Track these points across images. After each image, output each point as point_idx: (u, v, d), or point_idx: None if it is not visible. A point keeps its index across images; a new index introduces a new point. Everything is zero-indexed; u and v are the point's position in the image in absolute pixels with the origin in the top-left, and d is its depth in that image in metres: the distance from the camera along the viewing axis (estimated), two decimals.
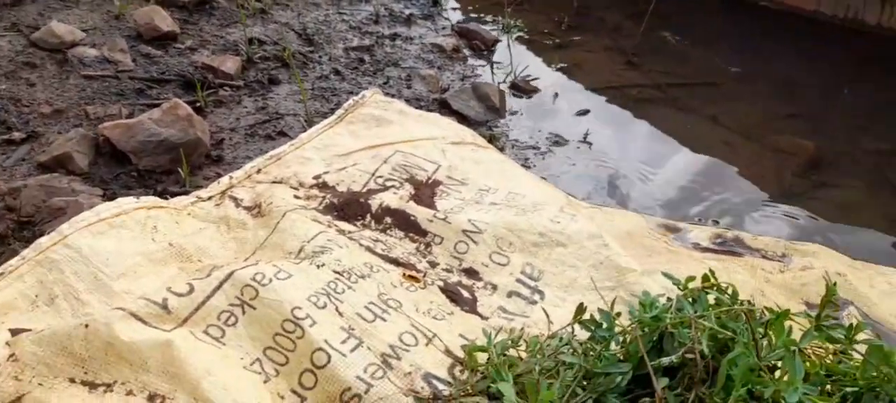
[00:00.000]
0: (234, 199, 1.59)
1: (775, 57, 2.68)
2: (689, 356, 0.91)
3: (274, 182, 1.67)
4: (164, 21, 2.40)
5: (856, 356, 1.00)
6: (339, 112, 1.99)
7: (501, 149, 2.06)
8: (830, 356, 1.04)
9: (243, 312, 1.16)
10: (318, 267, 1.25)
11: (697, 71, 2.54)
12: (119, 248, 1.32)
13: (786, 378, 0.84)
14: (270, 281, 1.18)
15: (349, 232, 1.47)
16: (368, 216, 1.55)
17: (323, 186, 1.67)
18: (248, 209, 1.56)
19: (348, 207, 1.57)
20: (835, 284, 0.96)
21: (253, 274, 1.19)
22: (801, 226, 1.83)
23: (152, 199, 1.50)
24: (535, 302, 1.39)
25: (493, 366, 1.03)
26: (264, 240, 1.43)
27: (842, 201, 1.91)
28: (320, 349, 1.10)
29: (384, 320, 1.18)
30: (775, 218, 1.86)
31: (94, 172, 1.72)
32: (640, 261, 1.60)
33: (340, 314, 1.16)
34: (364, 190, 1.66)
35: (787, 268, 1.59)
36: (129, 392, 1.06)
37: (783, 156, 2.09)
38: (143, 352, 1.08)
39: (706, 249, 1.68)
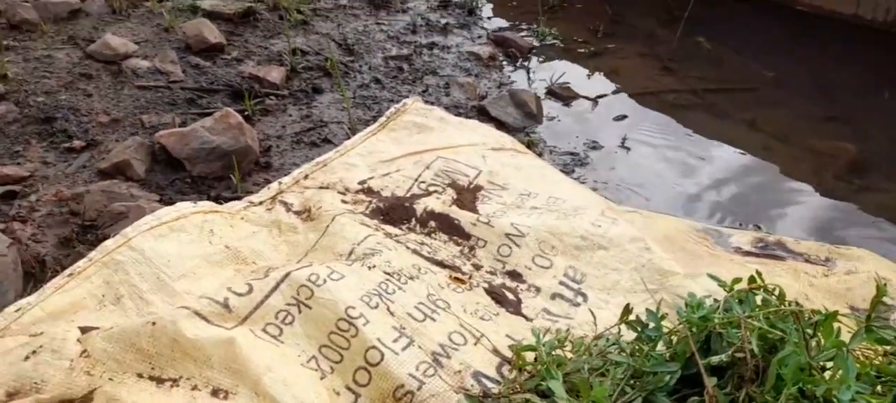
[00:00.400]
0: (285, 204, 1.64)
1: (812, 61, 2.66)
2: (739, 355, 0.93)
3: (321, 187, 1.73)
4: (212, 33, 2.48)
5: None
6: (382, 119, 2.04)
7: (540, 155, 2.09)
8: (880, 358, 1.05)
9: (299, 311, 1.21)
10: (369, 268, 1.30)
11: (734, 76, 2.54)
12: (179, 251, 1.39)
13: (837, 377, 0.85)
14: (325, 281, 1.23)
15: (396, 235, 1.51)
16: (413, 220, 1.60)
17: (368, 191, 1.72)
18: (298, 213, 1.61)
19: (394, 211, 1.62)
20: (885, 284, 0.97)
21: (308, 274, 1.24)
22: (844, 230, 1.82)
23: (208, 204, 1.56)
24: (578, 305, 1.42)
25: (543, 364, 1.06)
26: (315, 243, 1.48)
27: (886, 204, 1.90)
28: (373, 347, 1.14)
29: (434, 320, 1.22)
30: (817, 222, 1.86)
31: (151, 178, 1.80)
32: (682, 265, 1.62)
33: (392, 313, 1.21)
34: (408, 194, 1.70)
35: (831, 272, 1.59)
36: (194, 387, 1.12)
37: (823, 158, 2.08)
38: (206, 349, 1.14)
39: (748, 253, 1.69)
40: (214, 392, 1.11)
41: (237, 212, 1.60)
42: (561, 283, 1.46)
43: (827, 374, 1.03)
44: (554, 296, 1.43)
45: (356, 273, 1.28)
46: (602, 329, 1.33)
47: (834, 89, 2.47)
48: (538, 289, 1.44)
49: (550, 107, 2.40)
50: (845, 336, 0.98)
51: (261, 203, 1.66)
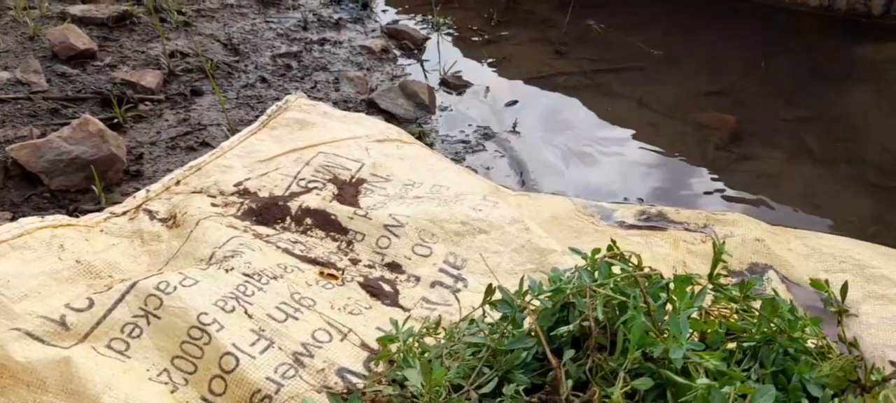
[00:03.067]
0: (149, 212, 1.54)
1: (698, 38, 2.74)
2: (586, 324, 0.91)
3: (193, 192, 1.63)
4: (80, 39, 2.33)
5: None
6: (262, 118, 1.95)
7: (431, 145, 2.05)
8: (733, 315, 1.05)
9: (148, 323, 1.12)
10: (226, 271, 1.22)
11: (623, 56, 2.58)
12: (21, 270, 1.27)
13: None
14: (175, 288, 1.15)
15: (266, 235, 1.44)
16: (288, 218, 1.53)
17: (243, 193, 1.64)
18: (163, 221, 1.52)
19: (267, 211, 1.54)
20: (723, 243, 0.98)
21: (157, 283, 1.16)
22: (726, 198, 1.86)
23: (59, 218, 1.45)
24: (458, 290, 1.38)
25: (402, 354, 1.02)
26: (177, 251, 1.39)
27: (763, 171, 1.96)
28: (228, 353, 1.07)
29: (296, 319, 1.16)
30: (700, 193, 1.89)
31: (4, 196, 1.66)
32: (567, 243, 1.61)
33: (250, 316, 1.14)
34: (286, 193, 1.63)
35: (708, 238, 1.62)
36: None
37: (706, 131, 2.13)
38: (39, 372, 1.04)
39: (631, 226, 1.70)
40: None
41: (95, 225, 1.48)
42: (441, 271, 1.42)
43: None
44: (433, 284, 1.39)
45: (211, 277, 1.20)
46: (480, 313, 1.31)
47: (717, 65, 2.54)
48: (418, 279, 1.40)
49: (443, 97, 2.37)
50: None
51: (124, 213, 1.55)
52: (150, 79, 2.20)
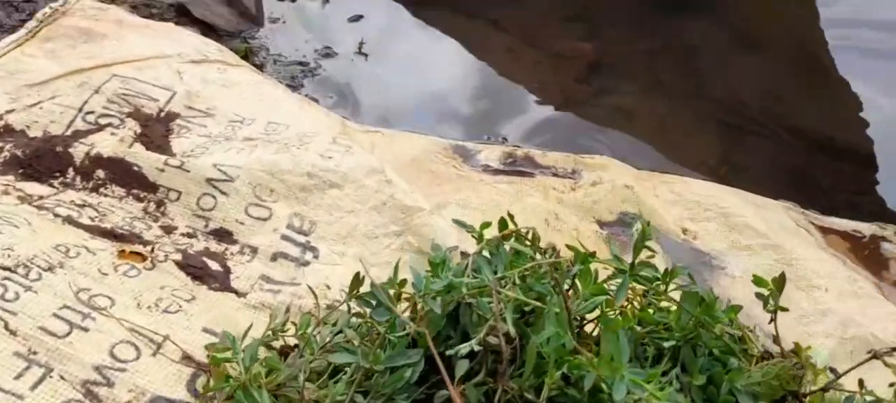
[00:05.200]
0: None
1: None
2: (493, 339, 0.71)
3: None
4: None
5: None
6: (31, 24, 1.49)
7: (260, 67, 1.71)
8: (638, 298, 0.92)
9: None
10: None
11: None
12: None
13: (605, 355, 0.68)
14: None
15: (40, 197, 1.07)
16: (71, 170, 1.15)
17: (4, 132, 1.22)
18: None
19: (40, 160, 1.15)
20: (648, 224, 0.82)
21: None
22: (588, 136, 1.77)
23: None
24: (307, 263, 1.13)
25: (243, 380, 0.76)
26: None
27: (621, 106, 1.88)
28: None
29: (86, 329, 0.84)
30: (562, 130, 1.78)
31: None
32: (429, 191, 1.41)
33: (13, 333, 0.80)
34: (68, 133, 1.24)
35: (577, 186, 1.51)
36: None
37: (564, 61, 2.00)
38: None
39: (497, 171, 1.54)
40: None
41: None
42: (284, 238, 1.15)
43: (586, 328, 0.89)
44: (275, 257, 1.12)
45: None
46: (337, 293, 1.09)
47: None
48: (254, 250, 1.12)
49: (273, 4, 2.00)
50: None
51: None
52: None
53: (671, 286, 0.86)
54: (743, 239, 1.43)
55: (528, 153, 1.57)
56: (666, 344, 0.80)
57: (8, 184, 1.07)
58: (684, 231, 1.47)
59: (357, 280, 0.86)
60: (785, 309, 0.83)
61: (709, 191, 1.53)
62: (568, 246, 0.89)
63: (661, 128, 1.85)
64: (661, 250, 1.41)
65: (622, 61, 2.05)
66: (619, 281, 0.84)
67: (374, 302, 0.83)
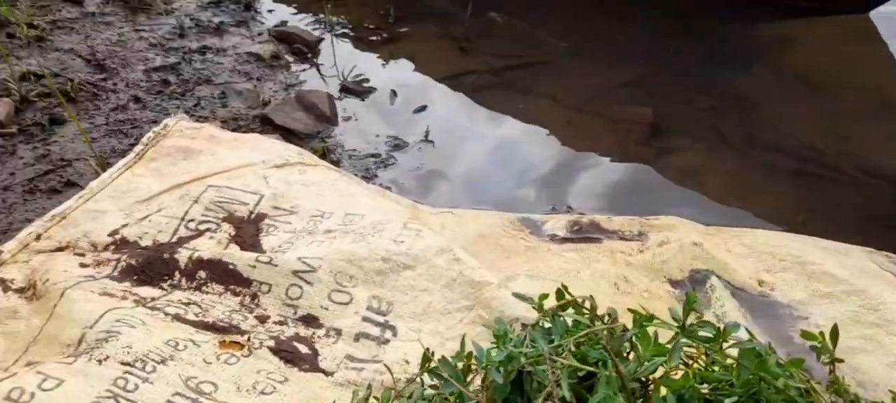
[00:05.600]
0: (2, 282, 1.27)
1: (603, 26, 2.67)
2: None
3: (57, 249, 1.37)
4: None
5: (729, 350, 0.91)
6: (138, 148, 1.69)
7: (337, 163, 1.85)
8: (702, 356, 0.94)
9: None
10: (99, 361, 0.99)
11: (529, 50, 2.46)
12: None
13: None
14: (32, 395, 0.90)
15: (152, 299, 1.21)
16: (177, 273, 1.29)
17: (121, 244, 1.38)
18: (19, 292, 1.25)
19: (151, 267, 1.30)
20: (694, 290, 0.85)
21: (8, 390, 0.91)
22: (653, 198, 1.79)
23: None
24: (387, 341, 1.21)
25: None
26: (39, 332, 1.13)
27: (685, 165, 1.90)
28: None
29: None
30: (628, 193, 1.81)
31: None
32: (498, 265, 1.48)
33: None
34: (173, 240, 1.39)
35: (645, 247, 1.53)
36: None
37: (624, 126, 2.05)
38: None
39: (564, 240, 1.59)
40: None
41: None
42: (365, 319, 1.24)
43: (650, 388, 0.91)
44: (358, 337, 1.21)
45: (81, 373, 0.96)
46: (415, 367, 1.15)
47: (626, 54, 2.48)
48: (339, 332, 1.22)
49: (346, 105, 2.17)
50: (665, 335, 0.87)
51: None
52: None
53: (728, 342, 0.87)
54: (823, 287, 1.40)
55: (593, 220, 1.61)
56: (727, 401, 0.82)
57: (126, 290, 1.22)
58: (761, 283, 1.46)
59: (426, 356, 0.93)
60: (840, 360, 0.83)
61: (781, 240, 1.52)
62: (630, 310, 0.93)
63: (730, 184, 1.85)
64: (737, 305, 1.40)
65: (683, 121, 2.08)
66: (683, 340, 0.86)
67: (444, 376, 0.90)
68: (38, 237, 1.40)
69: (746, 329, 0.89)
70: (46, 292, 1.20)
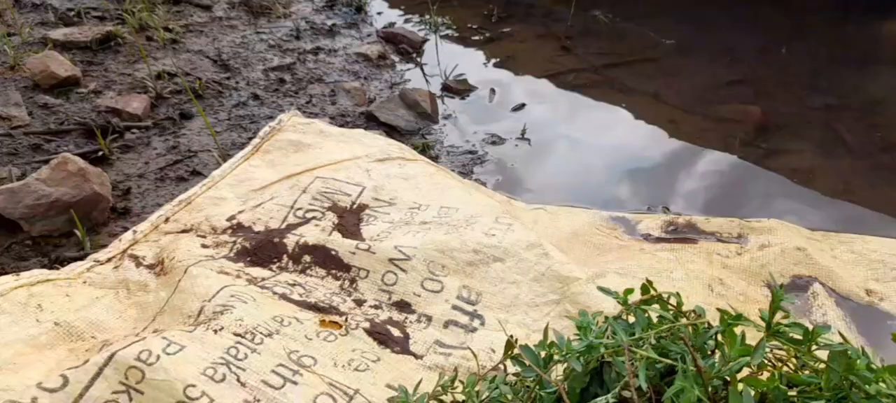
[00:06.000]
0: (135, 258, 1.42)
1: (710, 25, 2.59)
2: (627, 393, 0.78)
3: (182, 231, 1.52)
4: (62, 66, 2.21)
5: (820, 353, 0.89)
6: (255, 141, 1.83)
7: (436, 158, 1.92)
8: (792, 359, 0.92)
9: (130, 399, 1.00)
10: (215, 331, 1.10)
11: (633, 48, 2.43)
12: None
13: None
14: (158, 357, 1.02)
15: (261, 279, 1.32)
16: (285, 257, 1.40)
17: (237, 228, 1.51)
18: (150, 267, 1.40)
19: (262, 250, 1.42)
20: (781, 287, 0.84)
21: (138, 352, 1.03)
22: (757, 199, 1.73)
23: (37, 273, 1.33)
24: (475, 329, 1.26)
25: None
26: (165, 303, 1.27)
27: (795, 166, 1.82)
28: None
29: (295, 383, 1.04)
30: (730, 193, 1.76)
31: None
32: (589, 262, 1.49)
33: (243, 384, 1.02)
34: (282, 226, 1.51)
35: (744, 250, 1.49)
36: None
37: (730, 125, 1.98)
38: None
39: (658, 240, 1.57)
40: None
41: (77, 277, 1.37)
42: (454, 308, 1.30)
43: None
44: (447, 324, 1.27)
45: (199, 340, 1.08)
46: (500, 356, 1.19)
47: (735, 51, 2.39)
48: (429, 318, 1.28)
49: (447, 103, 2.23)
50: (757, 334, 0.85)
51: (108, 260, 1.44)
52: (137, 104, 2.08)
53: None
54: None
55: (690, 220, 1.58)
56: None
57: (239, 270, 1.34)
58: (869, 292, 1.38)
59: (510, 343, 0.97)
60: None
61: (894, 248, 1.43)
62: (719, 310, 0.92)
63: (843, 187, 1.75)
64: (842, 313, 1.34)
65: (794, 120, 1.98)
66: (773, 343, 0.85)
67: (526, 362, 0.93)
68: (167, 220, 1.56)
69: (840, 333, 0.86)
70: (172, 268, 1.34)
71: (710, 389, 0.80)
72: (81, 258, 1.47)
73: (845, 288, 1.37)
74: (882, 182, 1.73)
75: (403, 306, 1.30)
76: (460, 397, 1.03)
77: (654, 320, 0.90)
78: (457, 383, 1.04)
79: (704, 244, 1.53)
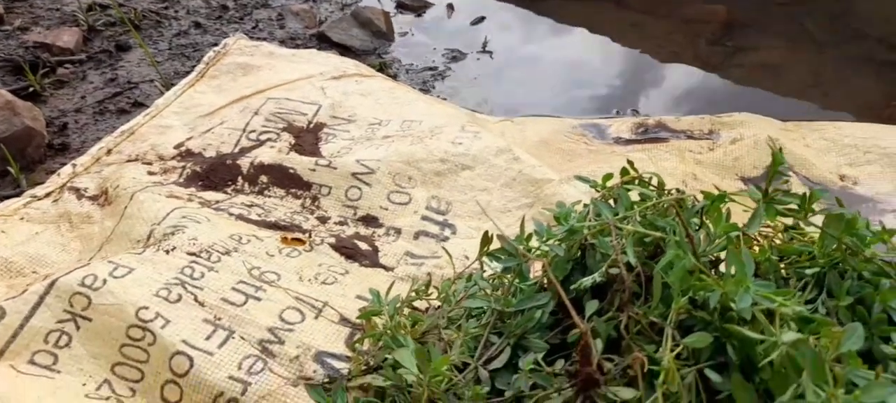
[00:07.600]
0: (76, 190, 1.32)
1: None
2: (614, 270, 0.73)
3: (127, 161, 1.41)
4: None
5: (809, 230, 0.85)
6: (200, 67, 1.71)
7: (395, 77, 1.83)
8: (780, 235, 0.88)
9: (77, 327, 0.92)
10: (167, 252, 1.02)
11: None
12: None
13: (731, 275, 0.67)
14: (104, 282, 0.94)
15: (215, 202, 1.23)
16: (240, 179, 1.31)
17: (186, 155, 1.41)
18: (93, 199, 1.30)
19: (214, 173, 1.32)
20: (781, 150, 0.79)
21: (82, 277, 0.95)
22: (726, 99, 1.69)
23: None
24: (446, 239, 1.20)
25: (390, 330, 0.83)
26: (111, 232, 1.18)
27: (763, 63, 1.79)
28: (179, 352, 0.88)
29: (259, 299, 0.97)
30: (699, 94, 1.72)
31: None
32: (560, 168, 1.43)
33: (201, 303, 0.94)
34: (235, 150, 1.41)
35: (716, 145, 1.45)
36: None
37: (695, 26, 1.93)
38: None
39: (629, 141, 1.52)
40: None
41: (13, 213, 1.26)
42: (424, 218, 1.24)
43: (721, 267, 0.87)
44: (417, 235, 1.21)
45: (149, 261, 0.99)
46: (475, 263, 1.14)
47: None
48: (398, 231, 1.21)
49: (402, 21, 2.13)
50: (739, 218, 0.81)
51: (47, 194, 1.32)
52: (68, 38, 1.93)
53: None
54: None
55: (660, 120, 1.54)
56: (809, 271, 0.77)
57: (191, 194, 1.25)
58: (842, 177, 1.37)
59: (486, 238, 0.91)
60: None
61: (867, 132, 1.41)
62: (702, 192, 0.87)
63: (811, 79, 1.72)
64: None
65: (760, 17, 1.94)
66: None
67: (501, 258, 0.87)
68: (109, 151, 1.45)
69: (837, 198, 0.82)
70: (117, 197, 1.25)
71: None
72: (17, 195, 1.35)
73: (818, 174, 1.35)
74: (851, 72, 1.71)
75: (370, 220, 1.24)
76: (436, 302, 0.98)
77: (637, 200, 0.85)
78: (431, 289, 0.99)
79: (675, 142, 1.49)
